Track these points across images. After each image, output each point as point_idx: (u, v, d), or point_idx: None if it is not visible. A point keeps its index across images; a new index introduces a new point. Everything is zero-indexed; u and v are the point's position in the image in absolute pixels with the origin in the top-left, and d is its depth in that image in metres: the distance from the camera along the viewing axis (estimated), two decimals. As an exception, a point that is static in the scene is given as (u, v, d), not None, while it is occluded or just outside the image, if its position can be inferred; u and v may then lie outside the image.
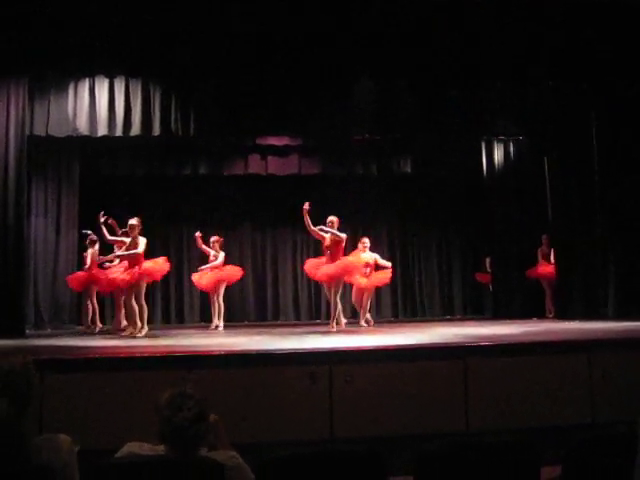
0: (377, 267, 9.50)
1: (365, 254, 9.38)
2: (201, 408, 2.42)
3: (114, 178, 11.38)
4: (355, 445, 2.49)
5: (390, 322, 11.59)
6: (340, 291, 8.47)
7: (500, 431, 4.93)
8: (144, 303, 8.19)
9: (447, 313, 11.97)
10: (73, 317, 10.51)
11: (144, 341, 7.48)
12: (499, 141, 11.15)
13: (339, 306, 8.49)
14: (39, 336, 8.54)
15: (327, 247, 8.44)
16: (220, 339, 7.95)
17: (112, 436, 4.16)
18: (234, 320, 11.84)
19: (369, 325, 9.34)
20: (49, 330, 9.79)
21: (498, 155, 11.29)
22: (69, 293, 10.40)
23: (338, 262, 8.33)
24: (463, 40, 8.26)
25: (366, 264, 9.25)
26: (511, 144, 11.14)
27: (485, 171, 11.36)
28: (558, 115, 9.76)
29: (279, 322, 11.97)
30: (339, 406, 5.06)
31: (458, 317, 11.39)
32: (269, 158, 11.54)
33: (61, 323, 10.20)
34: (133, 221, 8.22)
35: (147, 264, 8.26)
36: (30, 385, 2.43)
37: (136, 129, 8.94)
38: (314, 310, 12.20)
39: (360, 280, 9.17)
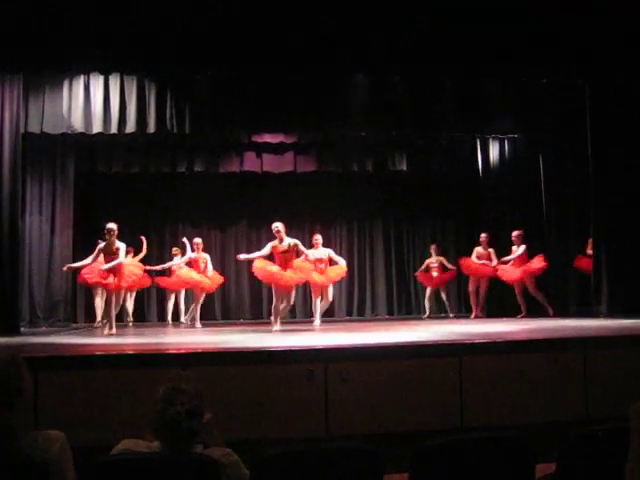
0: (331, 262, 9.55)
1: (318, 250, 9.47)
2: (196, 404, 2.40)
3: (109, 175, 11.37)
4: (351, 442, 2.50)
5: (385, 319, 11.61)
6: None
7: (495, 428, 4.94)
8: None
9: (442, 311, 11.98)
10: (68, 315, 10.49)
11: (139, 338, 7.47)
12: (494, 139, 11.17)
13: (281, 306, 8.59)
14: (34, 333, 8.53)
15: (283, 252, 8.47)
16: (216, 337, 7.95)
17: (107, 433, 4.17)
18: (230, 318, 11.87)
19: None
20: (44, 327, 9.78)
21: (493, 153, 11.31)
22: (64, 291, 10.39)
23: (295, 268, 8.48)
24: (458, 38, 8.26)
25: (320, 260, 9.34)
26: (506, 142, 11.15)
27: (480, 169, 11.37)
28: (554, 113, 9.78)
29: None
30: (335, 403, 5.06)
31: (452, 316, 11.38)
32: (264, 155, 11.53)
33: (56, 320, 10.18)
34: (112, 225, 8.18)
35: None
36: (19, 381, 2.43)
37: (131, 126, 8.93)
38: (308, 308, 12.18)
39: (316, 278, 9.21)
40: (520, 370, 5.40)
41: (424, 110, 9.36)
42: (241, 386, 4.99)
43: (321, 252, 9.44)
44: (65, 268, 9.08)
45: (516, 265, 9.94)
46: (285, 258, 8.46)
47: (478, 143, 11.32)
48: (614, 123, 9.00)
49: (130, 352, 5.82)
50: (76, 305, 11.22)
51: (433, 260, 11.44)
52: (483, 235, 10.50)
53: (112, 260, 8.09)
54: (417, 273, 11.82)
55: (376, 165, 11.95)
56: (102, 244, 8.27)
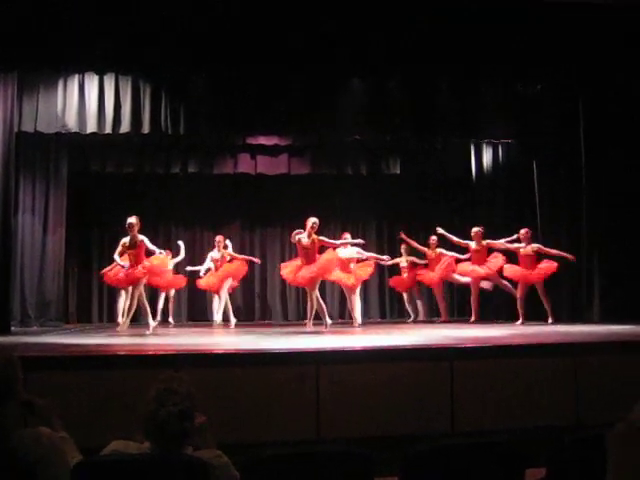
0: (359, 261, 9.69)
1: (347, 250, 9.53)
2: (188, 405, 2.40)
3: (103, 176, 11.34)
4: (342, 445, 2.50)
5: (378, 323, 11.60)
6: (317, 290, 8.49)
7: (485, 432, 4.95)
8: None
9: (435, 315, 11.98)
10: (60, 314, 10.45)
11: (132, 339, 7.45)
12: (488, 144, 11.20)
13: (317, 304, 8.49)
14: (25, 333, 8.50)
15: (305, 248, 8.39)
16: (208, 338, 7.95)
17: (98, 434, 4.15)
18: (222, 319, 11.84)
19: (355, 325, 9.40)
20: (35, 327, 9.74)
21: (487, 157, 11.34)
22: (56, 290, 10.36)
23: (317, 263, 8.34)
24: (454, 43, 8.28)
25: (349, 260, 9.45)
26: (500, 147, 11.18)
27: (474, 173, 11.40)
28: (548, 118, 9.82)
29: (267, 322, 11.96)
30: (326, 406, 5.06)
31: (445, 319, 11.37)
32: (259, 157, 11.53)
33: (47, 320, 10.14)
34: (132, 219, 8.19)
35: None
36: (14, 381, 2.42)
37: (125, 126, 8.90)
38: (302, 310, 12.17)
39: (344, 278, 9.28)
40: (511, 375, 5.40)
41: (418, 114, 9.38)
42: (231, 388, 4.99)
43: (349, 252, 9.60)
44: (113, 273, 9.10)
45: (523, 265, 9.52)
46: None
47: (472, 148, 11.34)
48: (608, 128, 9.04)
49: (121, 353, 5.81)
50: (68, 305, 11.18)
51: (402, 260, 11.13)
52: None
53: (137, 254, 8.08)
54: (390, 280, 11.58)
55: (370, 168, 11.97)
56: (125, 239, 8.22)
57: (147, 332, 7.99)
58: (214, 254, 10.15)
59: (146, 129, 8.97)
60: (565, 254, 9.07)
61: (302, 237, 8.34)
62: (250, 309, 12.28)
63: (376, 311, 12.67)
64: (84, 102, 8.84)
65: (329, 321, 8.58)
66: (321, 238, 8.47)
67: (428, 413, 5.18)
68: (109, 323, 10.56)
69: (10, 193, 8.49)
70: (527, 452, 2.57)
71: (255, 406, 4.97)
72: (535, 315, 9.61)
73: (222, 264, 10.02)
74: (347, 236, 9.87)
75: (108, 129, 8.89)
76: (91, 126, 8.85)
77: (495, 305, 10.70)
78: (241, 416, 4.90)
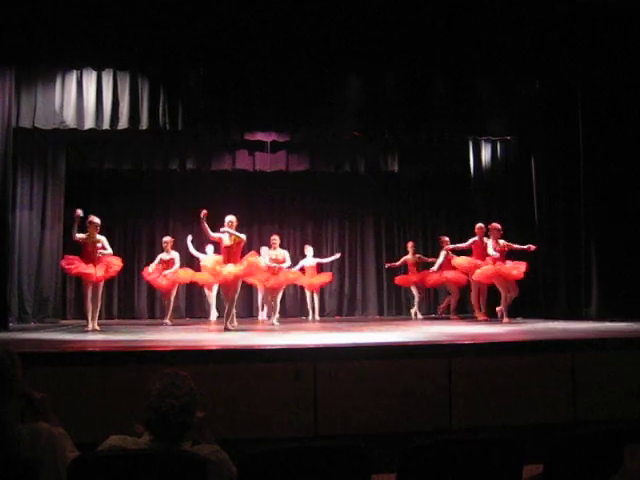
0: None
1: (276, 251, 9.84)
2: (189, 400, 2.45)
3: (100, 172, 11.33)
4: (339, 441, 2.50)
5: (376, 319, 11.61)
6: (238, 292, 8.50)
7: (483, 429, 4.96)
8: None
9: (433, 311, 11.99)
10: (57, 311, 10.44)
11: (129, 335, 7.45)
12: (487, 140, 11.19)
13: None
14: (22, 329, 8.49)
15: (227, 247, 8.28)
16: (205, 335, 7.94)
17: (95, 429, 4.14)
18: (220, 316, 11.83)
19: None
20: (33, 323, 9.73)
21: (485, 154, 11.33)
22: (54, 287, 10.34)
23: (243, 262, 8.22)
24: (451, 39, 8.28)
25: (275, 260, 9.73)
26: (498, 143, 11.17)
27: (472, 170, 11.39)
28: (546, 114, 9.82)
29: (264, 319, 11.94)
30: (323, 403, 5.06)
31: (444, 316, 11.39)
32: (257, 154, 11.52)
33: (45, 316, 10.13)
34: (96, 219, 8.27)
35: None
36: (11, 375, 2.42)
37: (124, 122, 8.89)
38: (299, 306, 12.18)
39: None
40: (509, 372, 5.41)
41: (416, 111, 9.38)
42: (228, 385, 4.99)
43: (278, 252, 9.86)
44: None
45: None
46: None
47: (470, 144, 11.34)
48: (606, 125, 9.05)
49: (117, 349, 5.81)
50: (65, 301, 11.16)
51: (409, 257, 11.30)
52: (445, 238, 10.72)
53: (94, 252, 8.13)
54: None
55: (368, 165, 11.97)
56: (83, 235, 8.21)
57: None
58: (163, 255, 9.95)
59: (144, 125, 8.95)
60: (525, 247, 9.11)
61: (224, 236, 8.27)
62: (248, 306, 12.25)
63: (374, 308, 12.67)
64: (82, 98, 8.82)
65: (235, 323, 8.78)
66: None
67: (426, 410, 5.19)
68: (106, 320, 10.53)
69: (8, 189, 8.47)
70: (525, 448, 2.57)
71: (252, 403, 4.97)
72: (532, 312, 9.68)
73: (170, 265, 9.82)
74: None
75: (106, 125, 8.87)
76: (89, 122, 8.84)
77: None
78: (238, 412, 4.90)
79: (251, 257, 8.38)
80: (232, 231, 8.24)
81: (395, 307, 12.76)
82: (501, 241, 9.22)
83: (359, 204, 12.74)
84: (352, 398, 5.09)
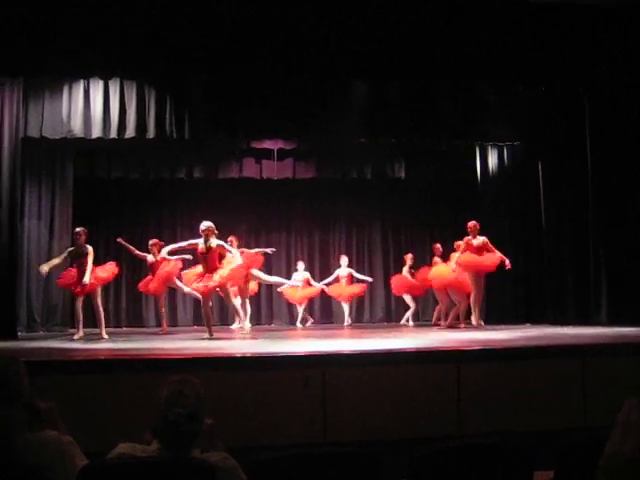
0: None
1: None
2: (197, 408, 2.43)
3: (108, 181, 11.37)
4: (348, 448, 2.49)
5: (384, 326, 11.59)
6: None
7: (493, 435, 4.92)
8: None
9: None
10: (65, 319, 10.45)
11: (138, 344, 7.46)
12: (493, 146, 11.17)
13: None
14: (31, 338, 8.51)
15: (202, 254, 8.23)
16: (215, 342, 7.93)
17: (104, 438, 4.14)
18: (228, 324, 11.83)
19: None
20: (41, 332, 9.75)
21: (492, 160, 11.31)
22: (62, 295, 10.36)
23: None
24: (456, 46, 8.27)
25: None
26: (505, 149, 11.15)
27: (479, 176, 11.37)
28: (553, 120, 9.80)
29: (273, 326, 11.95)
30: (332, 410, 5.05)
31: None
32: (264, 162, 11.53)
33: (53, 325, 10.15)
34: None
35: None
36: (17, 383, 2.42)
37: (131, 131, 8.92)
38: (329, 313, 12.19)
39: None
40: (519, 377, 5.39)
41: (423, 117, 9.38)
42: (237, 392, 4.98)
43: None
44: None
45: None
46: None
47: (477, 151, 11.32)
48: (613, 130, 9.01)
49: (126, 357, 5.81)
50: (74, 310, 11.15)
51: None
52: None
53: (82, 263, 8.20)
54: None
55: (375, 172, 11.98)
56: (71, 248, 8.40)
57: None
58: (150, 257, 9.70)
59: (151, 134, 8.98)
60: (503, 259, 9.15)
61: (199, 242, 8.22)
62: (256, 313, 12.25)
63: (382, 314, 12.64)
64: (89, 107, 8.87)
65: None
66: (220, 243, 8.31)
67: (435, 416, 5.17)
68: (114, 328, 10.54)
69: (16, 199, 8.52)
70: (535, 455, 2.55)
71: (261, 410, 4.96)
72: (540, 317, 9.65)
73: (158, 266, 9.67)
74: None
75: (113, 134, 8.91)
76: (96, 131, 8.88)
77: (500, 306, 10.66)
78: (247, 420, 4.89)
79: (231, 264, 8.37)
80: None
81: (403, 312, 12.70)
82: (481, 237, 9.26)
83: (366, 210, 12.74)
84: (361, 404, 5.08)
